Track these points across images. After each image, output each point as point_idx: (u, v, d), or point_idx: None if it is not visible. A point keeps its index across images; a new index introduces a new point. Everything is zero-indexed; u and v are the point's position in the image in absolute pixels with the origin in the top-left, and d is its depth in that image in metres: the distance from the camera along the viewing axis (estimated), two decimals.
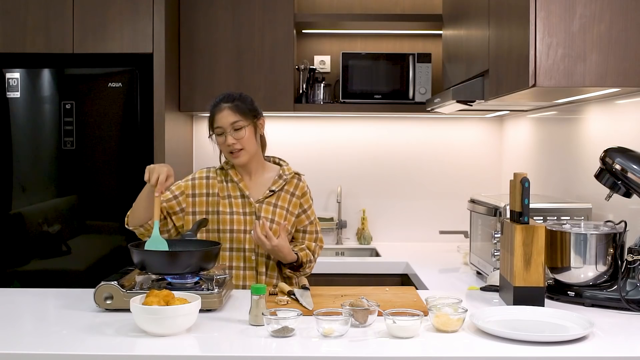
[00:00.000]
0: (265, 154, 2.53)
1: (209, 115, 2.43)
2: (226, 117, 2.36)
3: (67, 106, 3.25)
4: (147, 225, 2.32)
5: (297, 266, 2.39)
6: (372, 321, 1.83)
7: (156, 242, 2.15)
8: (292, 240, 2.49)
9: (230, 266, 2.37)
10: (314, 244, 2.49)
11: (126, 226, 2.38)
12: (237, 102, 2.38)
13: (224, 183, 2.44)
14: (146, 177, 2.19)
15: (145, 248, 2.13)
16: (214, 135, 2.42)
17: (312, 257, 2.46)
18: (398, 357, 1.63)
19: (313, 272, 2.90)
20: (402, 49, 3.91)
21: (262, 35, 3.56)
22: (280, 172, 2.47)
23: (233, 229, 2.37)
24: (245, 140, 2.36)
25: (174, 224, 2.41)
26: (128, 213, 2.36)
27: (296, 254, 2.37)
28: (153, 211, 2.22)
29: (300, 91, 3.76)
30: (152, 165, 2.21)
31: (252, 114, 2.40)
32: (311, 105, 3.72)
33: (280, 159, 2.55)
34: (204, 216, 2.40)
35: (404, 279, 3.28)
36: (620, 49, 2.01)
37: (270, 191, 2.43)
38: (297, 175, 2.50)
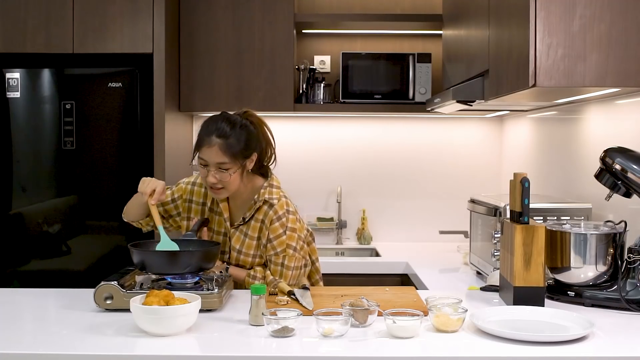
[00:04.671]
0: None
1: (198, 133, 2.22)
2: (214, 155, 2.16)
3: (67, 106, 3.25)
4: (138, 223, 2.43)
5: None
6: (372, 321, 1.83)
7: (165, 245, 2.16)
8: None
9: None
10: (272, 277, 2.25)
11: (123, 216, 2.45)
12: (231, 140, 2.16)
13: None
14: (140, 188, 2.21)
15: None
16: (195, 163, 2.23)
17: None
18: (398, 357, 1.63)
19: None
20: (402, 49, 3.91)
21: (262, 35, 3.56)
22: (256, 197, 2.27)
23: None
24: (228, 182, 2.19)
25: (172, 225, 2.45)
26: (125, 207, 2.43)
27: (226, 263, 2.31)
28: (144, 213, 2.36)
29: (300, 91, 3.76)
30: (147, 178, 2.23)
31: (243, 154, 2.20)
32: (311, 105, 3.72)
33: (270, 173, 2.36)
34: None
35: (404, 279, 3.28)
36: (620, 49, 2.01)
37: (242, 219, 2.30)
38: (269, 202, 2.27)
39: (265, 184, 2.31)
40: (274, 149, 2.36)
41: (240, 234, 2.31)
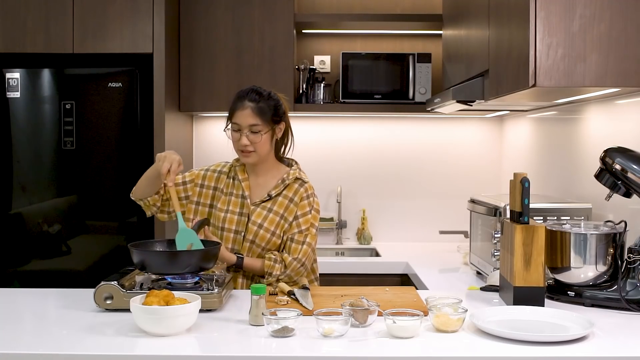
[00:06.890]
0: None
1: (230, 105, 2.36)
2: (246, 117, 2.30)
3: (67, 106, 3.25)
4: (147, 201, 2.40)
5: (238, 265, 2.33)
6: (372, 321, 1.83)
7: (184, 233, 2.19)
8: (283, 249, 2.38)
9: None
10: (290, 257, 2.33)
11: (131, 195, 2.44)
12: (262, 104, 2.32)
13: (231, 180, 2.44)
14: (156, 166, 2.25)
15: (176, 240, 2.18)
16: (229, 129, 2.36)
17: (274, 272, 2.31)
18: (398, 357, 1.63)
19: None
20: (402, 49, 3.91)
21: (262, 36, 3.56)
22: (285, 175, 2.40)
23: (224, 227, 2.38)
24: (259, 144, 2.32)
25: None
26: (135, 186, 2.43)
27: (238, 255, 2.31)
28: (152, 190, 2.36)
29: (300, 91, 3.76)
30: (163, 154, 2.26)
31: (274, 119, 2.35)
32: (311, 105, 3.73)
33: (295, 162, 2.48)
34: (207, 209, 2.42)
35: (404, 279, 3.27)
36: (620, 49, 2.01)
37: (268, 195, 2.38)
38: (300, 180, 2.40)
39: (295, 167, 2.45)
40: (292, 133, 2.48)
41: (262, 210, 2.36)
